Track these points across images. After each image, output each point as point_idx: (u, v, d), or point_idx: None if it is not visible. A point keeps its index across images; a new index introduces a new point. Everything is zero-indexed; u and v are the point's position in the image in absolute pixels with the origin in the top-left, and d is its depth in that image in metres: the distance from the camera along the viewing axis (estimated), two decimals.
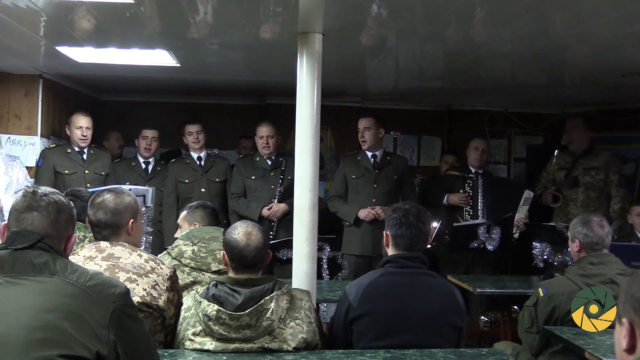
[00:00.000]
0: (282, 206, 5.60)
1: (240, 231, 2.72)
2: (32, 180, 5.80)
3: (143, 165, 6.11)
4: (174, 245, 3.48)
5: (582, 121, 6.01)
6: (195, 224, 3.75)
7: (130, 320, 2.07)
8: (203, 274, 3.36)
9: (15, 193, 5.09)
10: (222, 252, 3.39)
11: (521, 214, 5.63)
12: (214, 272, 3.36)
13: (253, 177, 5.76)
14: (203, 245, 3.40)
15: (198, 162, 6.01)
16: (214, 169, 6.03)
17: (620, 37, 3.92)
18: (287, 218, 5.44)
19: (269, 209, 5.62)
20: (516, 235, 5.61)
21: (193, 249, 3.38)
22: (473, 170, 5.90)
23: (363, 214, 5.56)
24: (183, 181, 5.94)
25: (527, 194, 5.68)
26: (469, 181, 5.84)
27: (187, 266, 3.28)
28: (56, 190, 2.21)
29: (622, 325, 1.46)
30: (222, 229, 3.62)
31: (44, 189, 2.15)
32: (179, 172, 5.97)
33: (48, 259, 2.00)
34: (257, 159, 5.81)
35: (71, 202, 2.22)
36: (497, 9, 3.44)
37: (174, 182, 5.95)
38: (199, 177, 5.95)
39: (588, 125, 5.99)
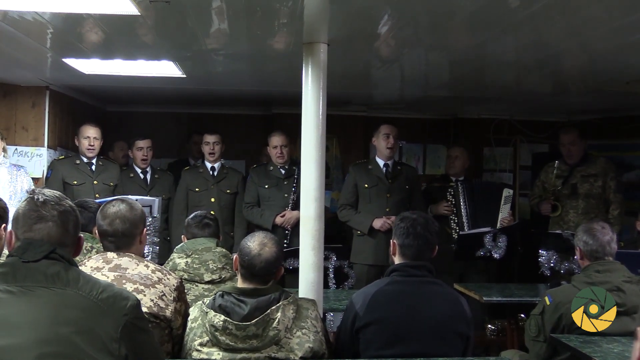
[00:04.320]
0: (296, 213, 5.56)
1: (256, 240, 2.74)
2: None
3: (141, 176, 6.12)
4: (169, 259, 3.52)
5: (578, 134, 5.96)
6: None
7: (141, 333, 2.08)
8: (196, 285, 3.38)
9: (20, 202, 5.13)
10: (216, 261, 3.43)
11: (504, 214, 5.67)
12: (207, 283, 3.39)
13: (266, 186, 5.78)
14: (196, 256, 3.43)
15: (211, 172, 6.03)
16: (226, 180, 6.04)
17: (625, 44, 3.92)
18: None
19: (282, 217, 5.63)
20: (500, 226, 5.61)
21: (187, 261, 3.42)
22: (453, 179, 5.92)
23: (378, 224, 5.50)
24: (194, 189, 5.97)
25: (507, 192, 5.72)
26: (450, 190, 5.85)
27: (181, 278, 3.30)
28: (60, 195, 2.19)
29: None
30: (216, 240, 3.64)
31: (51, 196, 2.14)
32: (191, 180, 6.01)
33: (60, 270, 2.01)
34: (271, 168, 5.82)
35: (73, 206, 2.22)
36: (501, 18, 3.45)
37: (185, 189, 5.99)
38: (210, 186, 5.97)
39: (584, 136, 5.99)
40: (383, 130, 5.71)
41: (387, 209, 5.59)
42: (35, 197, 2.12)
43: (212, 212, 5.57)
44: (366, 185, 5.69)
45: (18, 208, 2.14)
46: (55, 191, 2.20)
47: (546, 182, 6.08)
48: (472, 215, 5.70)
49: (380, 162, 5.74)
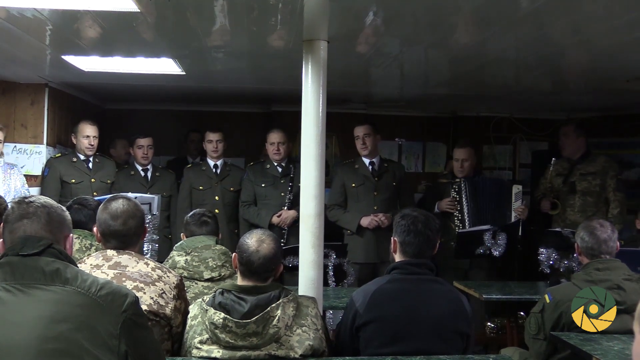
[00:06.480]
0: (292, 213, 5.59)
1: (254, 237, 2.74)
2: (38, 188, 5.82)
3: (142, 173, 6.09)
4: (168, 256, 3.52)
5: (573, 128, 5.98)
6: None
7: (140, 330, 2.08)
8: (196, 283, 3.38)
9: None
10: (215, 259, 3.43)
11: (516, 207, 5.63)
12: (207, 280, 3.39)
13: (263, 185, 5.78)
14: (196, 254, 3.43)
15: (214, 170, 6.01)
16: (229, 178, 6.02)
17: (625, 42, 3.92)
18: (297, 225, 5.42)
19: (278, 216, 5.63)
20: (514, 219, 5.61)
21: (186, 259, 3.42)
22: (459, 177, 5.89)
23: (366, 221, 5.55)
24: (197, 187, 5.95)
25: (516, 188, 5.69)
26: (454, 187, 5.82)
27: (180, 276, 3.30)
28: (49, 199, 2.21)
29: None
30: (216, 237, 3.64)
31: (37, 198, 2.16)
32: (194, 178, 5.99)
33: (59, 267, 2.00)
34: (268, 166, 5.82)
35: (62, 206, 2.23)
36: (502, 16, 3.45)
37: (189, 187, 5.98)
38: (214, 184, 5.96)
39: (580, 132, 5.96)
40: (356, 132, 5.77)
41: (375, 207, 5.62)
42: (25, 199, 2.14)
43: (216, 210, 5.58)
44: (353, 185, 5.72)
45: (7, 212, 2.14)
46: (44, 197, 2.22)
47: (547, 179, 6.08)
48: (474, 213, 5.67)
49: (366, 161, 5.76)
